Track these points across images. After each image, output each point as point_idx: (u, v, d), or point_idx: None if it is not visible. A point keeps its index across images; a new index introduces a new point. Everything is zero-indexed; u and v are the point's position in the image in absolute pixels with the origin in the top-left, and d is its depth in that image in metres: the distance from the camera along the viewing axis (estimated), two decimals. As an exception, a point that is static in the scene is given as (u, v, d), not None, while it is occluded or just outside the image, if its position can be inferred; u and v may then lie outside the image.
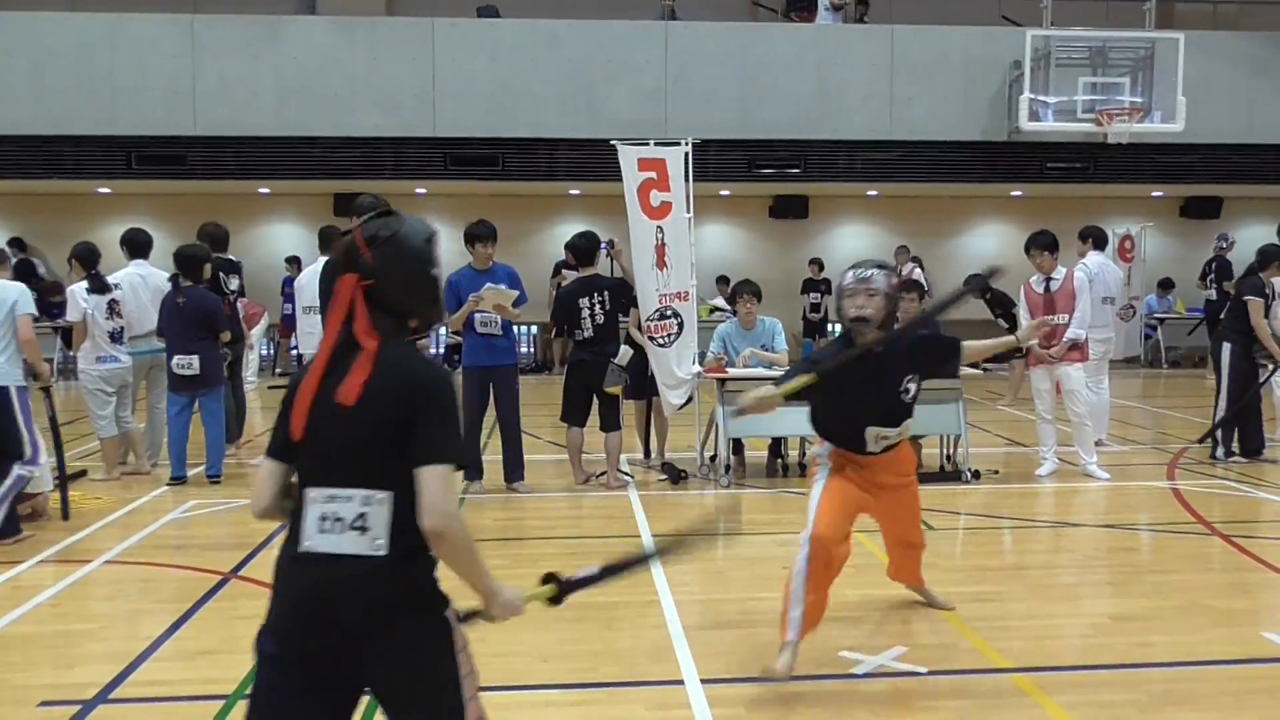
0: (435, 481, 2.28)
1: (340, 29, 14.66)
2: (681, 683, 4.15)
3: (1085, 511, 7.39)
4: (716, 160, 15.13)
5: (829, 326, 17.76)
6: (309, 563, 2.31)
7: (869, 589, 5.39)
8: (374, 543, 2.28)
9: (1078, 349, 8.31)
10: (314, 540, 2.31)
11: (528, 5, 15.48)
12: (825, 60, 15.12)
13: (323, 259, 9.24)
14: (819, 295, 17.62)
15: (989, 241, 18.73)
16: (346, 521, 2.29)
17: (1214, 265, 15.44)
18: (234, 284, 9.59)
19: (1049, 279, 8.31)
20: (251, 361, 14.89)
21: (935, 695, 4.04)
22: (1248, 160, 15.99)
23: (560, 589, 2.76)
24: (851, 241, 18.65)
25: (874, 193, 18.02)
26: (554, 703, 4.01)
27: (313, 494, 2.34)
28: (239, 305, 10.30)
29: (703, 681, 4.16)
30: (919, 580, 5.08)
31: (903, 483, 4.62)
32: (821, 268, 17.65)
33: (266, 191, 16.75)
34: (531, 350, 18.09)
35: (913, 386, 4.43)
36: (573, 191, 17.18)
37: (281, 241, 17.40)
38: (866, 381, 4.29)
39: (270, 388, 14.40)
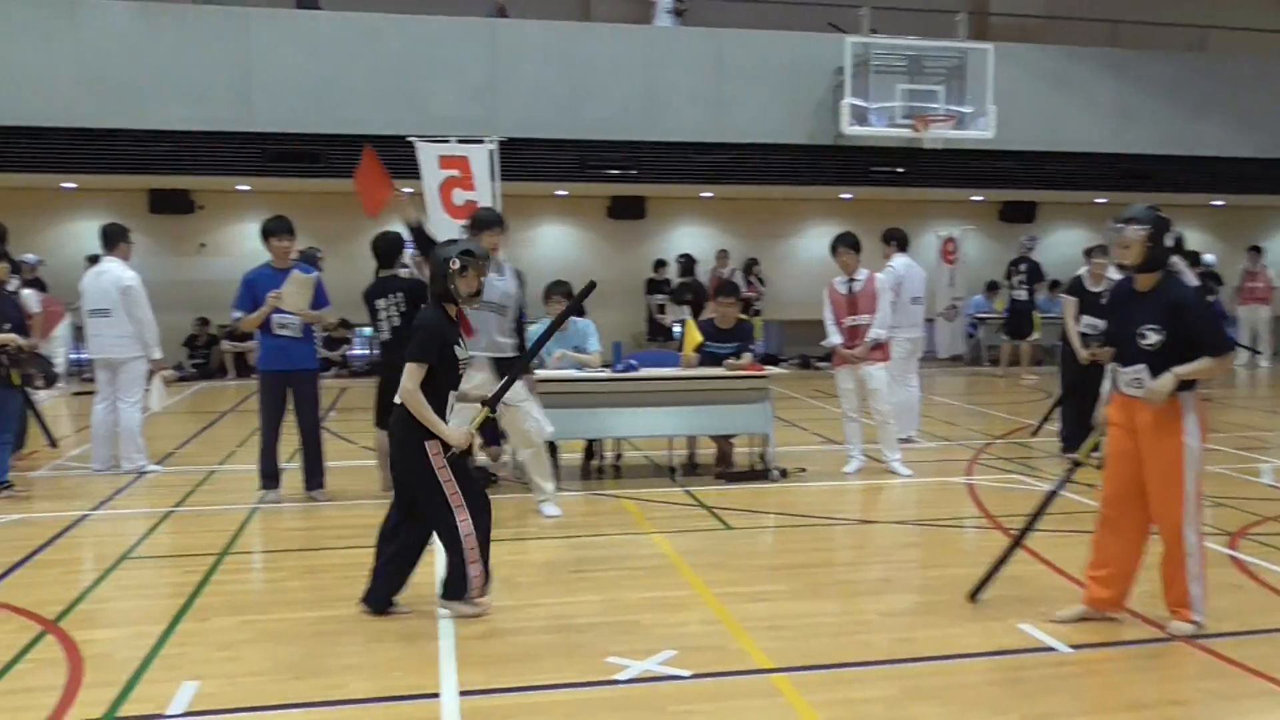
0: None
1: (143, 15, 13.91)
2: (437, 696, 4.01)
3: (881, 508, 7.56)
4: (547, 160, 15.03)
5: (676, 329, 17.82)
6: None
7: (650, 591, 5.36)
8: None
9: (880, 349, 8.52)
10: None
11: (349, -2, 15.05)
12: (652, 61, 15.20)
13: (109, 259, 8.79)
14: (665, 297, 17.60)
15: (823, 242, 18.95)
16: None
17: (1024, 266, 16.10)
18: (13, 284, 8.96)
19: (852, 280, 8.49)
20: (58, 365, 14.00)
21: (691, 699, 4.00)
22: (1055, 167, 16.80)
23: (490, 403, 5.13)
24: (690, 241, 18.79)
25: (708, 194, 18.20)
26: (294, 725, 3.81)
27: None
28: (28, 303, 9.68)
29: (461, 694, 4.03)
30: (1181, 596, 4.69)
31: (1159, 429, 4.56)
32: (666, 268, 17.71)
33: (72, 186, 15.81)
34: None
35: (1152, 335, 4.51)
36: (406, 190, 16.76)
37: (93, 239, 16.43)
38: (1116, 318, 4.74)
39: (76, 394, 13.54)
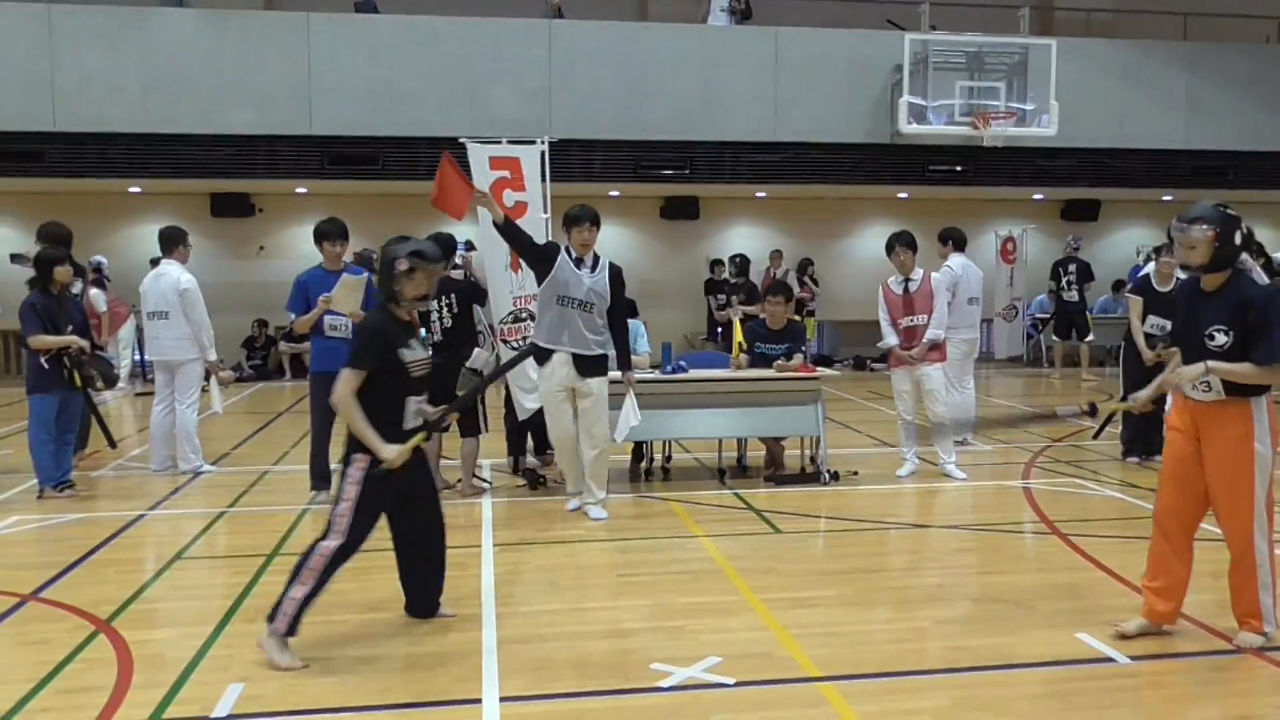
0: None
1: (209, 22, 14.18)
2: (479, 701, 3.98)
3: (935, 512, 7.40)
4: (602, 160, 15.03)
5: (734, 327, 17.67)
6: None
7: (697, 596, 5.29)
8: None
9: (937, 349, 8.36)
10: None
11: (407, 1, 15.16)
12: (709, 61, 15.11)
13: (168, 262, 8.92)
14: (724, 297, 17.45)
15: (879, 242, 18.78)
16: None
17: (1073, 266, 15.76)
18: (77, 287, 9.17)
19: (907, 280, 8.34)
20: (123, 365, 14.31)
21: (736, 707, 3.93)
22: (1121, 164, 16.41)
23: (427, 428, 4.69)
24: (744, 242, 18.66)
25: (763, 194, 18.07)
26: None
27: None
28: (95, 303, 9.92)
29: (502, 700, 3.99)
30: (1251, 606, 4.52)
31: (1227, 435, 4.40)
32: (723, 268, 17.58)
33: (137, 190, 16.14)
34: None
35: (1220, 336, 4.36)
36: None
37: (156, 242, 16.77)
38: (1182, 319, 4.60)
39: (139, 395, 13.82)
